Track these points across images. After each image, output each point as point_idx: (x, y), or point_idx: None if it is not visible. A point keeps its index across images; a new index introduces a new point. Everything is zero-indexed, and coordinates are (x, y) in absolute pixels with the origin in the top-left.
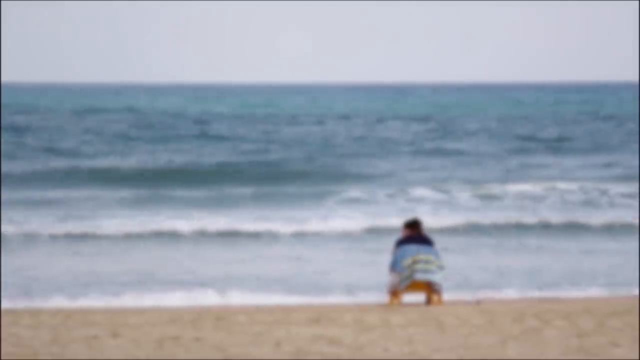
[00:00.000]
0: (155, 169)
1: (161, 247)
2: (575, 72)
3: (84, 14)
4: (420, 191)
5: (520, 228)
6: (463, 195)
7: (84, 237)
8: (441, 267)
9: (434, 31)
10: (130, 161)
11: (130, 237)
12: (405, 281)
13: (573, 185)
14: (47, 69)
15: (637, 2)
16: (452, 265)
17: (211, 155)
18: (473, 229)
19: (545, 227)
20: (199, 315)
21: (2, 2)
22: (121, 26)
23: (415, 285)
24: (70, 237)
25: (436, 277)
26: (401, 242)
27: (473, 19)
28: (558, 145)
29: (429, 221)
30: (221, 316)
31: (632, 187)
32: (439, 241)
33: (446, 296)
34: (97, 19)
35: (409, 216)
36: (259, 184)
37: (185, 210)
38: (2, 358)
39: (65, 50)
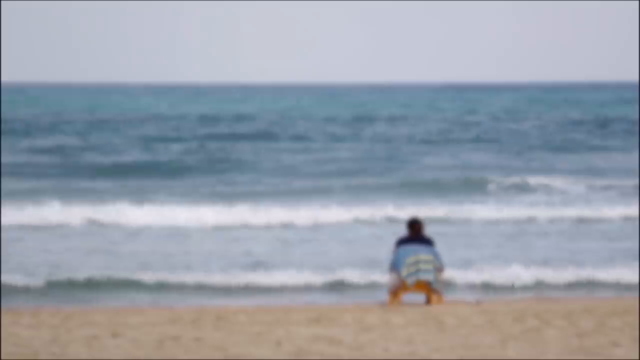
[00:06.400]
0: None
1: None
2: (573, 72)
3: (84, 14)
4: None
5: None
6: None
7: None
8: (439, 269)
9: (429, 31)
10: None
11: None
12: (412, 277)
13: None
14: (46, 69)
15: (637, 2)
16: None
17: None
18: None
19: None
20: (199, 315)
21: (1, 2)
22: (121, 26)
23: (415, 285)
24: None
25: (432, 278)
26: (401, 242)
27: (472, 18)
28: None
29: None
30: (221, 316)
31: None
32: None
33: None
34: (97, 19)
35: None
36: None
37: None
38: (2, 358)
39: (65, 50)
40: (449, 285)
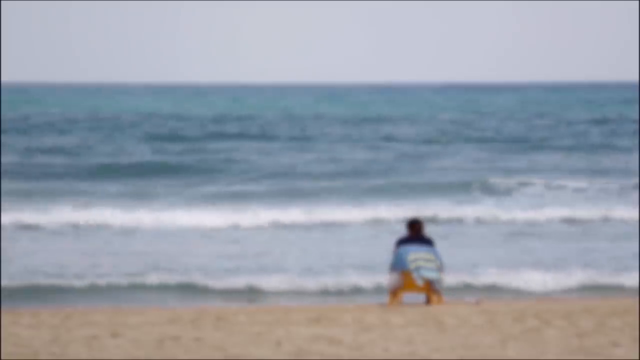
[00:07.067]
0: None
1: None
2: (573, 72)
3: (84, 14)
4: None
5: None
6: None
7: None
8: (440, 268)
9: (429, 31)
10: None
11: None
12: (417, 274)
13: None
14: (46, 69)
15: (637, 2)
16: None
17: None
18: None
19: None
20: (199, 315)
21: (1, 2)
22: (121, 26)
23: (414, 286)
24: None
25: (435, 276)
26: (401, 242)
27: (472, 18)
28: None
29: None
30: (221, 316)
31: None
32: None
33: (447, 297)
34: (97, 19)
35: None
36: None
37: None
38: (2, 358)
39: (65, 50)
40: (451, 287)
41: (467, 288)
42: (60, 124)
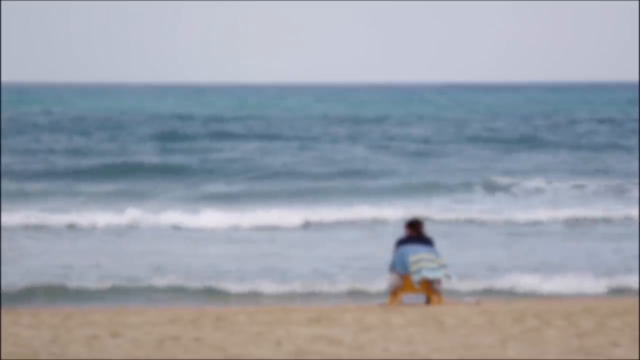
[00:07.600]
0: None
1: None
2: (573, 72)
3: (84, 14)
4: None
5: None
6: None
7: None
8: (443, 266)
9: (429, 31)
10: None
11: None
12: (417, 276)
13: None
14: (46, 69)
15: (637, 2)
16: None
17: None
18: None
19: None
20: (199, 315)
21: (2, 2)
22: (121, 26)
23: (420, 285)
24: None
25: (440, 274)
26: (401, 242)
27: (472, 18)
28: None
29: None
30: (221, 316)
31: None
32: None
33: (448, 296)
34: (97, 19)
35: None
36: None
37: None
38: (2, 358)
39: (65, 50)
40: (451, 287)
41: (468, 288)
42: (60, 123)
